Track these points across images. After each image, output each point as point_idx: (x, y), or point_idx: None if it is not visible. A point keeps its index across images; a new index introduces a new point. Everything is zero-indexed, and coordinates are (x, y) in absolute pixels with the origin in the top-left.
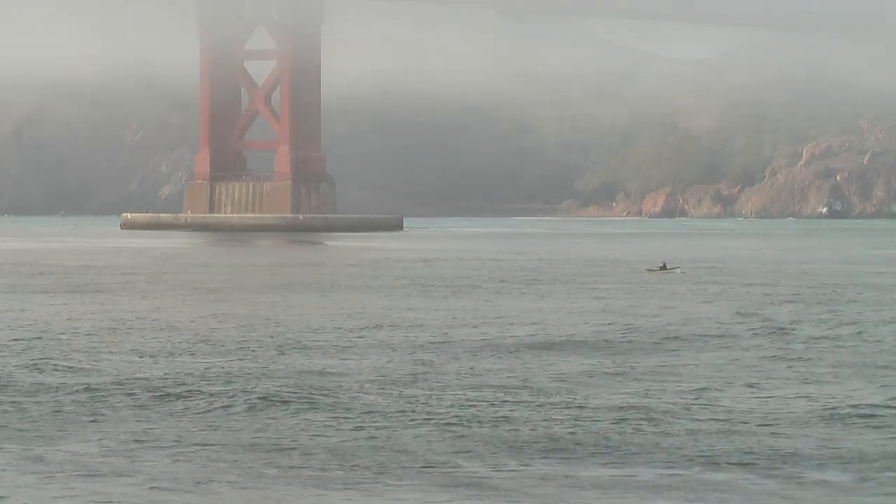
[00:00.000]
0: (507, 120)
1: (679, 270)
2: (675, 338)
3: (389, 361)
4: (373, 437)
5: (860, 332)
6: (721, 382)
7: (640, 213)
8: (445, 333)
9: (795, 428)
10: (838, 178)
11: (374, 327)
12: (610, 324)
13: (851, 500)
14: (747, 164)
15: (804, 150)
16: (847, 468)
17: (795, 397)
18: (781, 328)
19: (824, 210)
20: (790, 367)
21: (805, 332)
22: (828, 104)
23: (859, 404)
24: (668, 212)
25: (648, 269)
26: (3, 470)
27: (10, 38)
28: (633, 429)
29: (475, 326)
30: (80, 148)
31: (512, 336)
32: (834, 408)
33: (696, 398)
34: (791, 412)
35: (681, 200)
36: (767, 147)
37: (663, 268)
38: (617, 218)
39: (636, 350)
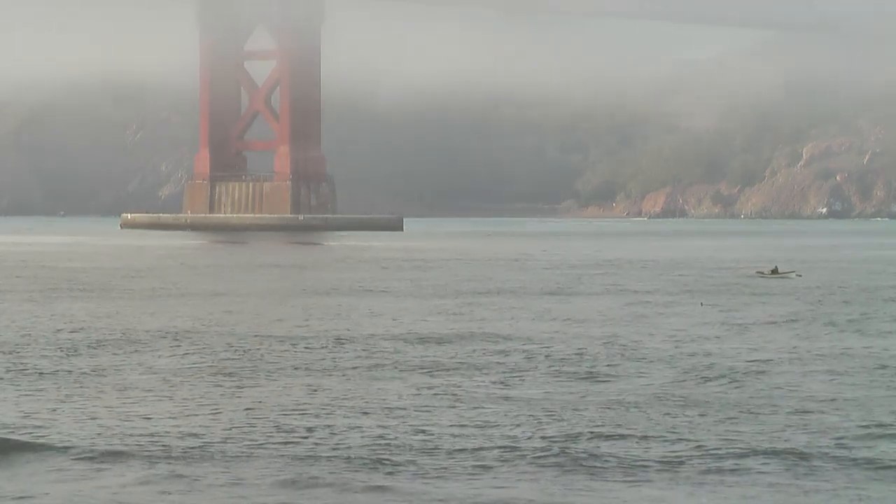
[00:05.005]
0: (506, 120)
1: (794, 274)
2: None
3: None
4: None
5: None
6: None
7: (640, 214)
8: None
9: None
10: (838, 178)
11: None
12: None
13: None
14: (747, 164)
15: (804, 150)
16: None
17: None
18: None
19: (824, 210)
20: None
21: None
22: (828, 104)
23: None
24: (669, 212)
25: (758, 273)
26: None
27: (10, 39)
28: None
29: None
30: (80, 148)
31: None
32: None
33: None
34: None
35: (681, 200)
36: (767, 147)
37: (775, 271)
38: (619, 218)
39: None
